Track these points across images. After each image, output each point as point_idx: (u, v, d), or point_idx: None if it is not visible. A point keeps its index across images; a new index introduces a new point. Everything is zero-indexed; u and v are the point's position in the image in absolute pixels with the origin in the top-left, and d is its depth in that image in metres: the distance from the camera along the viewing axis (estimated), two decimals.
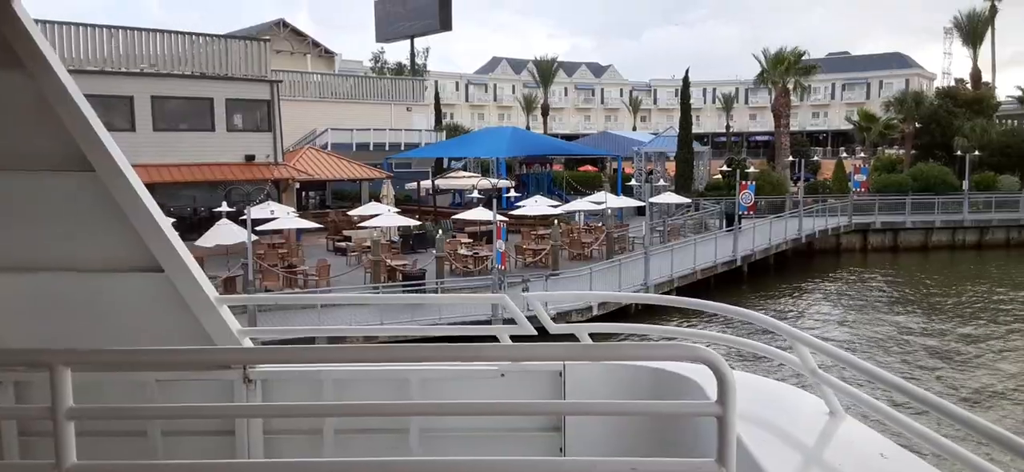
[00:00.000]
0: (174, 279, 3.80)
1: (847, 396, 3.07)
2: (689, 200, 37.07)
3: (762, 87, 54.10)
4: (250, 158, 31.41)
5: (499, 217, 21.36)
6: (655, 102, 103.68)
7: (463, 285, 23.17)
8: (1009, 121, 53.10)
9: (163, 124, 29.65)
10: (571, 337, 3.79)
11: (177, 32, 31.22)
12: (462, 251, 26.15)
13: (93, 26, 28.78)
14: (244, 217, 21.06)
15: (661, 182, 38.64)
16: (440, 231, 26.15)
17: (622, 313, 21.41)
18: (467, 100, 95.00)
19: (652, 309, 20.78)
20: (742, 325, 17.91)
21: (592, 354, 3.28)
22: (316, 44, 60.44)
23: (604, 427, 3.74)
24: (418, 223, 29.08)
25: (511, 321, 4.02)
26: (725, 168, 42.76)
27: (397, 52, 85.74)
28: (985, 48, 57.20)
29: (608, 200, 30.48)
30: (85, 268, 3.85)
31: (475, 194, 27.42)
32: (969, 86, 56.00)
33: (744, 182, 29.14)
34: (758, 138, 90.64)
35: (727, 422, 2.12)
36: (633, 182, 39.24)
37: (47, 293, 3.92)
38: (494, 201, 22.11)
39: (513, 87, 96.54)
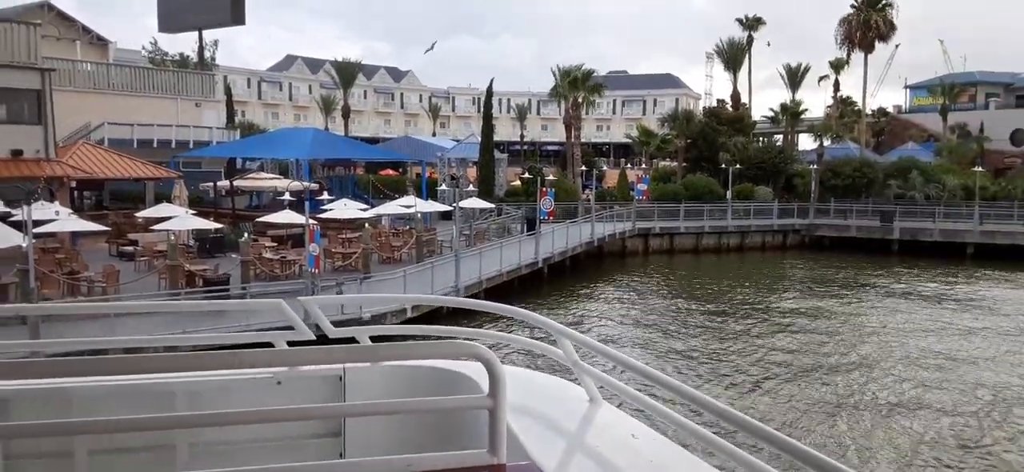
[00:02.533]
0: None
1: (604, 384, 3.36)
2: (492, 205, 38.50)
3: (554, 100, 57.24)
4: (17, 153, 28.06)
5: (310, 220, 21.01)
6: (454, 109, 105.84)
7: (272, 290, 22.40)
8: (763, 138, 60.64)
9: None
10: (352, 341, 3.80)
11: None
12: (268, 255, 25.27)
13: None
14: (17, 218, 18.90)
15: (470, 187, 39.72)
16: (244, 234, 25.07)
17: (433, 316, 21.61)
18: (260, 98, 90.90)
19: (457, 313, 21.05)
20: (516, 322, 19.00)
21: (371, 355, 3.23)
22: (86, 30, 55.03)
23: (385, 429, 3.70)
24: (218, 226, 27.60)
25: (289, 327, 3.90)
26: (526, 175, 44.83)
27: (178, 43, 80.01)
28: (743, 73, 64.85)
29: (417, 204, 30.86)
30: None
31: (286, 196, 26.58)
32: (730, 106, 63.12)
33: (544, 189, 30.84)
34: (549, 148, 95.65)
35: (497, 414, 2.24)
36: (444, 186, 40.00)
37: None
38: (306, 203, 21.65)
39: (310, 87, 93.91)
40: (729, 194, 44.05)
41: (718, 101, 72.91)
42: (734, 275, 35.57)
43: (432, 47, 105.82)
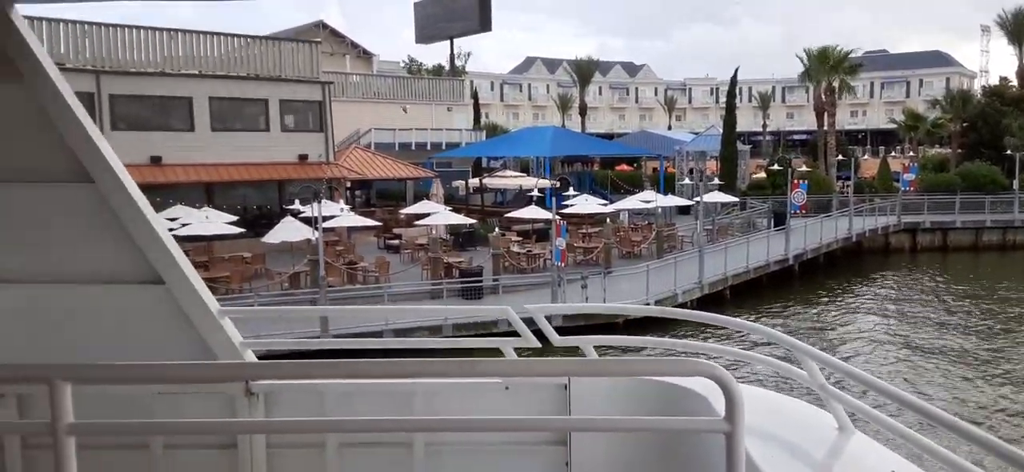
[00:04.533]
0: (175, 291, 3.78)
1: (857, 411, 3.05)
2: (736, 199, 37.03)
3: (799, 86, 53.69)
4: (303, 157, 31.98)
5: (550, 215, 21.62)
6: (690, 101, 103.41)
7: (519, 282, 23.42)
8: None
9: (220, 124, 30.29)
10: (576, 350, 3.83)
11: (233, 35, 31.86)
12: (515, 249, 26.43)
13: (154, 29, 29.49)
14: (308, 214, 21.49)
15: (715, 181, 38.62)
16: (495, 229, 26.47)
17: (657, 320, 20.76)
18: (502, 100, 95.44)
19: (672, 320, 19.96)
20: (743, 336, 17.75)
21: (597, 369, 3.20)
22: (354, 45, 61.06)
23: (610, 441, 3.71)
24: (472, 222, 29.41)
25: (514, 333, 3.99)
26: (775, 167, 42.60)
27: (431, 53, 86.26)
28: None
29: (657, 199, 30.55)
30: (85, 280, 3.82)
31: (535, 192, 27.75)
32: (1015, 85, 55.03)
33: (796, 181, 29.05)
34: (795, 137, 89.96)
35: (735, 438, 2.10)
36: (686, 180, 39.32)
37: (48, 306, 3.90)
38: (553, 199, 22.38)
39: (548, 87, 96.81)
40: (1015, 183, 38.38)
41: (1000, 79, 63.85)
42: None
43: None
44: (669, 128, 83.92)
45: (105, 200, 3.56)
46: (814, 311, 25.18)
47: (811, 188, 36.07)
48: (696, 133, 58.89)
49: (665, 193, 36.74)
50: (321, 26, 57.46)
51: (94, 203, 3.57)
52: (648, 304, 21.00)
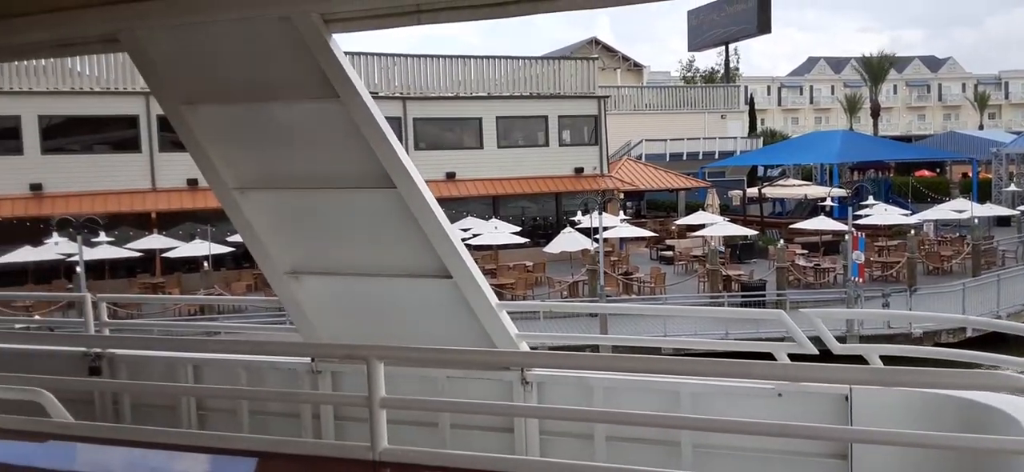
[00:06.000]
0: (461, 285, 4.09)
1: None
2: None
3: None
4: (579, 170, 32.95)
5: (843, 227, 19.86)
6: (1007, 96, 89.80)
7: (807, 297, 21.87)
8: None
9: (505, 141, 32.32)
10: (859, 359, 3.53)
11: (515, 57, 33.86)
12: (801, 262, 24.80)
13: (448, 57, 32.32)
14: (586, 224, 22.05)
15: None
16: (780, 241, 25.12)
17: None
18: (780, 104, 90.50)
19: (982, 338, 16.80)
20: None
21: (885, 378, 3.02)
22: (625, 58, 61.81)
23: (899, 459, 3.36)
24: (755, 233, 28.19)
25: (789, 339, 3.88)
26: None
27: (701, 57, 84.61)
28: None
29: (972, 208, 26.86)
30: (387, 273, 4.29)
31: (827, 201, 26.01)
32: None
33: None
34: None
35: None
36: (1013, 187, 34.23)
37: (356, 294, 4.43)
38: (848, 209, 20.71)
39: (832, 88, 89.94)
40: None
41: None
42: None
43: None
44: (981, 127, 73.61)
45: (404, 203, 4.03)
46: None
47: None
48: (1017, 132, 50.90)
49: (981, 201, 32.16)
50: (594, 42, 59.05)
51: (396, 207, 4.06)
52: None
